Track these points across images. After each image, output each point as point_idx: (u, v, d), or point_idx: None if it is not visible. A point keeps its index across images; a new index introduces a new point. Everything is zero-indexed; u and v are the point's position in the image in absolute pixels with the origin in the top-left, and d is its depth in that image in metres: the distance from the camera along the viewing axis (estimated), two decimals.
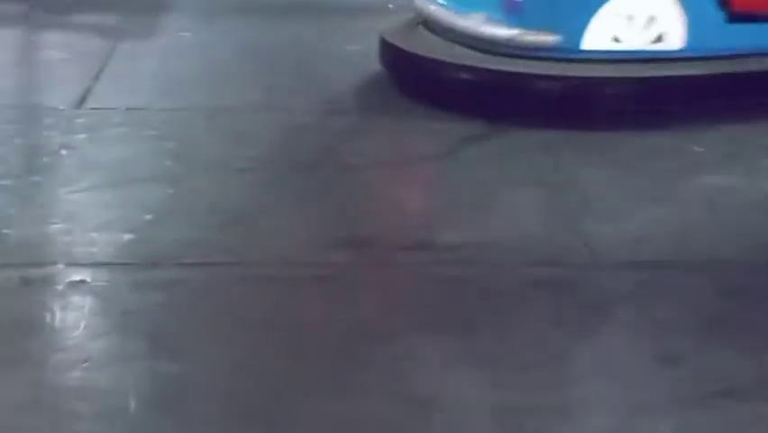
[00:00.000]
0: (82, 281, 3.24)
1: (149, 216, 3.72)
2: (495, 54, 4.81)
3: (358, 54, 6.07)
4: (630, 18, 4.78)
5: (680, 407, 2.68)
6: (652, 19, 4.80)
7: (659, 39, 4.82)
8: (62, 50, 5.79)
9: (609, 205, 3.94)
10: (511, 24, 4.78)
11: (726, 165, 4.36)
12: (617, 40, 4.79)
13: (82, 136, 4.52)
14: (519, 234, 3.65)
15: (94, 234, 3.56)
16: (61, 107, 4.88)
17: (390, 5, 6.65)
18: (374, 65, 5.79)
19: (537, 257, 3.49)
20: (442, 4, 5.17)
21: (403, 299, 3.20)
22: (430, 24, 5.25)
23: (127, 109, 4.88)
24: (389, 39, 5.28)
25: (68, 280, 3.25)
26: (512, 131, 4.62)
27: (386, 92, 5.29)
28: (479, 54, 4.85)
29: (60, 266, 3.33)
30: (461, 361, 2.87)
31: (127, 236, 3.56)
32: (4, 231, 3.56)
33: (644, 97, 4.75)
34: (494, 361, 2.88)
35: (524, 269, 3.41)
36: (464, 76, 4.85)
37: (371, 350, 2.91)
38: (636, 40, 4.80)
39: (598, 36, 4.75)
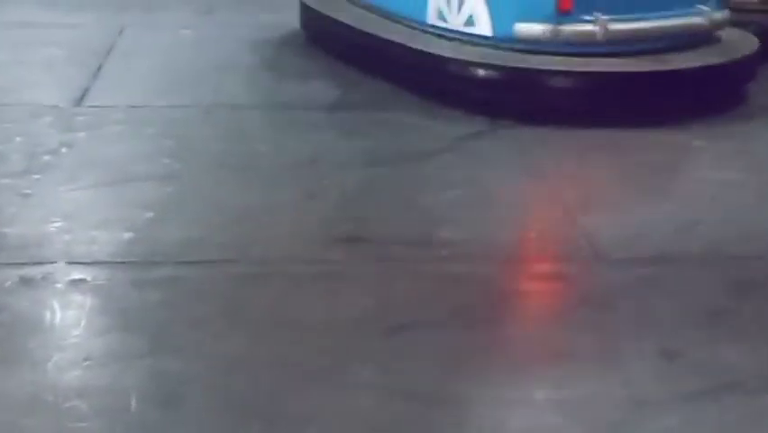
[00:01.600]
0: (82, 280, 3.23)
1: (149, 215, 3.71)
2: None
3: None
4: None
5: (683, 402, 2.67)
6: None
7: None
8: (62, 48, 5.79)
9: (610, 200, 3.93)
10: None
11: (727, 160, 4.35)
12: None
13: (82, 134, 4.51)
14: (519, 230, 3.64)
15: (94, 233, 3.56)
16: (61, 105, 4.87)
17: None
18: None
19: (538, 253, 3.48)
20: None
21: (402, 296, 3.19)
22: None
23: (127, 107, 4.87)
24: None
25: (67, 278, 3.24)
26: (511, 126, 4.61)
27: (390, 87, 5.29)
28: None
29: (60, 264, 3.32)
30: (461, 357, 2.86)
31: (127, 235, 3.55)
32: (4, 229, 3.56)
33: None
34: (494, 357, 2.88)
35: (524, 264, 3.40)
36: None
37: (371, 346, 2.90)
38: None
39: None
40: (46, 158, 4.24)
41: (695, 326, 3.03)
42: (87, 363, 2.79)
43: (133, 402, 2.62)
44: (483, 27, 4.86)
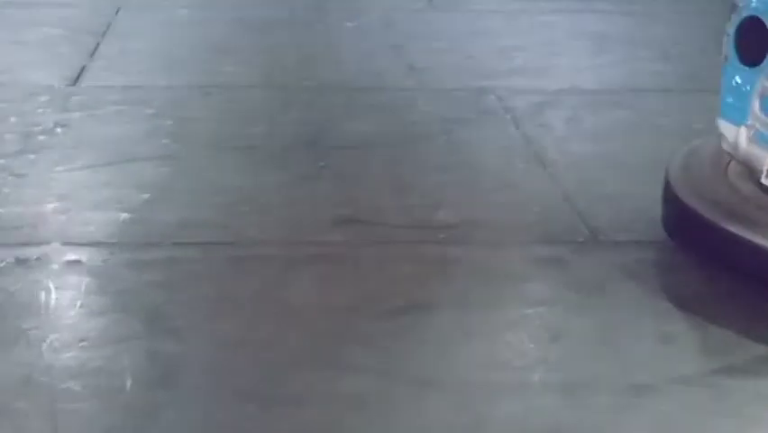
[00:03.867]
0: (78, 261, 3.22)
1: (145, 195, 3.69)
2: None
3: (356, 30, 6.04)
4: None
5: (680, 385, 2.66)
6: None
7: None
8: (57, 27, 5.76)
9: (609, 182, 3.91)
10: None
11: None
12: None
13: (78, 114, 4.49)
14: (518, 213, 3.63)
15: (89, 214, 3.54)
16: (56, 85, 4.85)
17: None
18: (371, 42, 5.77)
19: (535, 236, 3.47)
20: None
21: (400, 278, 3.18)
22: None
23: (123, 87, 4.85)
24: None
25: (63, 259, 3.23)
26: None
27: (387, 67, 5.26)
28: None
29: (56, 245, 3.31)
30: (458, 340, 2.85)
31: (123, 216, 3.53)
32: None
33: None
34: (492, 340, 2.87)
35: (522, 247, 3.39)
36: None
37: (369, 328, 2.89)
38: None
39: None
40: (41, 138, 4.22)
41: (693, 308, 3.01)
42: (82, 344, 2.78)
43: (129, 383, 2.62)
44: None
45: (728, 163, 3.29)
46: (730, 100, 3.25)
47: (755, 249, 2.94)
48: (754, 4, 3.19)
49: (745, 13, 3.20)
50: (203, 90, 4.86)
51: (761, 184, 3.07)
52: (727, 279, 3.06)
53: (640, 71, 5.32)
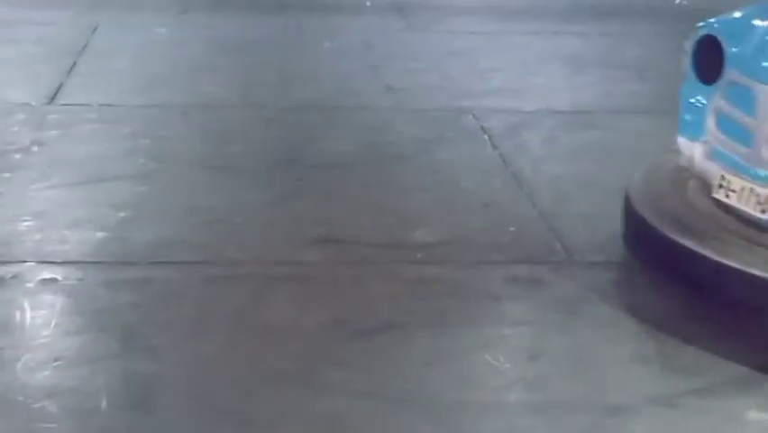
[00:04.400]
0: (53, 280, 3.20)
1: (122, 214, 3.68)
2: None
3: (334, 51, 6.06)
4: None
5: (656, 406, 2.67)
6: None
7: None
8: (35, 45, 5.74)
9: (584, 202, 3.94)
10: None
11: None
12: None
13: (54, 133, 4.48)
14: (494, 233, 3.64)
15: (65, 232, 3.52)
16: (33, 103, 4.84)
17: (368, 2, 6.64)
18: (349, 62, 5.80)
19: (512, 256, 3.48)
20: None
21: (377, 298, 3.18)
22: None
23: (100, 105, 4.84)
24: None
25: (38, 278, 3.21)
26: None
27: (365, 87, 5.28)
28: None
29: (31, 264, 3.29)
30: (435, 359, 2.85)
31: (99, 234, 3.52)
32: None
33: None
34: (469, 360, 2.87)
35: (499, 267, 3.40)
36: None
37: (346, 348, 2.89)
38: None
39: None
40: (17, 156, 4.20)
41: (667, 329, 3.02)
42: (57, 363, 2.76)
43: (104, 404, 2.60)
44: None
45: (689, 180, 3.34)
46: (688, 117, 3.32)
47: (703, 261, 2.99)
48: (710, 24, 3.26)
49: (702, 32, 3.27)
50: (181, 109, 4.85)
51: (715, 198, 3.13)
52: (699, 299, 3.08)
53: (616, 92, 5.37)
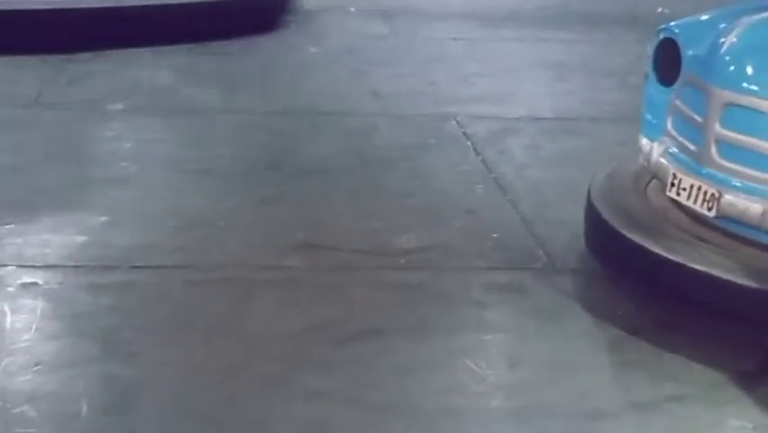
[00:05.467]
0: (34, 283, 3.18)
1: (103, 218, 3.67)
2: None
3: (320, 56, 6.07)
4: None
5: (636, 412, 2.68)
6: None
7: None
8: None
9: (566, 209, 3.95)
10: None
11: None
12: None
13: (35, 134, 4.46)
14: (477, 239, 3.65)
15: (46, 236, 3.51)
16: (18, 105, 4.82)
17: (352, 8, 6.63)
18: (334, 69, 5.80)
19: (495, 262, 3.49)
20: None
21: (360, 304, 3.18)
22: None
23: (83, 109, 4.82)
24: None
25: (19, 281, 3.19)
26: None
27: (349, 93, 5.29)
28: None
29: (11, 268, 3.27)
30: (417, 365, 2.85)
31: (81, 238, 3.50)
32: None
33: None
34: (451, 366, 2.87)
35: (482, 273, 3.41)
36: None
37: (328, 354, 2.89)
38: None
39: None
40: None
41: (648, 336, 3.03)
42: (38, 367, 2.74)
43: (84, 408, 2.58)
44: None
45: (650, 179, 3.39)
46: (649, 117, 3.42)
47: (649, 256, 3.05)
48: (670, 27, 3.35)
49: (661, 35, 3.36)
50: (163, 113, 4.84)
51: (670, 197, 3.19)
52: (677, 307, 3.09)
53: (599, 100, 5.39)
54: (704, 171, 3.06)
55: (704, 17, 3.38)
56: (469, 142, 4.64)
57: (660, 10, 6.67)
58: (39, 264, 3.30)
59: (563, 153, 4.59)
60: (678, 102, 3.24)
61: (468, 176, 4.27)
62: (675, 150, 3.20)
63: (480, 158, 4.46)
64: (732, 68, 3.04)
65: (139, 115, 4.83)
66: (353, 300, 3.20)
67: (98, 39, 5.69)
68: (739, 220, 2.98)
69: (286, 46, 6.24)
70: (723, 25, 3.20)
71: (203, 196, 3.94)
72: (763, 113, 2.95)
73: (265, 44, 6.22)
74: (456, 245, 3.60)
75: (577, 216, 3.83)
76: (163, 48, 5.89)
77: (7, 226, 3.56)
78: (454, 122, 4.89)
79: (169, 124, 4.72)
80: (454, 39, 6.55)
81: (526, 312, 3.17)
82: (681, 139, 3.20)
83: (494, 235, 3.67)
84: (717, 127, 3.02)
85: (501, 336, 3.04)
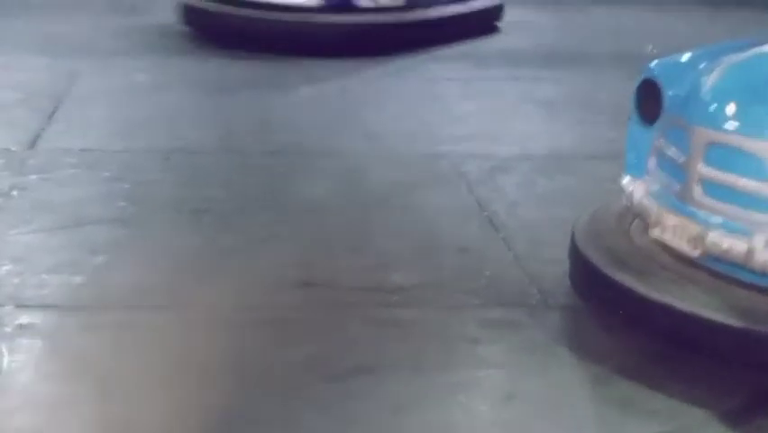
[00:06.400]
0: (30, 324, 3.21)
1: (100, 259, 3.70)
2: None
3: (313, 96, 6.12)
4: None
5: None
6: None
7: None
8: (15, 91, 5.77)
9: (559, 247, 3.98)
10: None
11: None
12: None
13: (34, 177, 4.49)
14: (470, 276, 3.68)
15: (44, 277, 3.54)
16: (13, 148, 4.85)
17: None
18: (327, 108, 5.86)
19: (488, 299, 3.52)
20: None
21: (353, 341, 3.21)
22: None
23: (81, 150, 4.86)
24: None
25: (16, 322, 3.22)
26: None
27: (342, 133, 5.34)
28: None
29: (8, 308, 3.30)
30: (411, 402, 2.87)
31: (77, 279, 3.53)
32: None
33: None
34: (445, 402, 2.89)
35: (475, 310, 3.44)
36: None
37: (322, 391, 2.91)
38: None
39: None
40: None
41: (640, 372, 3.05)
42: (33, 408, 2.76)
43: None
44: None
45: (634, 219, 3.42)
46: (632, 157, 3.45)
47: (631, 295, 3.08)
48: (650, 68, 3.41)
49: (643, 76, 3.42)
50: (160, 154, 4.88)
51: (653, 237, 3.21)
52: (665, 345, 3.12)
53: (591, 138, 5.44)
54: (688, 210, 3.08)
55: (684, 57, 3.43)
56: (462, 181, 4.68)
57: (650, 48, 6.75)
58: (36, 305, 3.32)
59: (556, 191, 4.64)
60: (660, 141, 3.27)
61: (461, 214, 4.31)
62: (658, 188, 3.24)
63: (473, 196, 4.50)
64: (714, 107, 3.09)
65: (137, 155, 4.86)
66: (347, 337, 3.22)
67: None
68: (724, 259, 3.00)
69: (279, 85, 6.30)
70: (703, 65, 3.25)
71: (198, 235, 3.96)
72: (745, 151, 2.98)
73: (258, 83, 6.28)
74: (449, 282, 3.64)
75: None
76: None
77: (4, 267, 3.58)
78: (447, 161, 4.93)
79: (164, 165, 4.76)
80: (446, 79, 6.61)
81: (520, 349, 3.20)
82: (663, 177, 3.23)
83: (487, 273, 3.71)
84: (701, 166, 3.06)
85: (495, 373, 3.07)
